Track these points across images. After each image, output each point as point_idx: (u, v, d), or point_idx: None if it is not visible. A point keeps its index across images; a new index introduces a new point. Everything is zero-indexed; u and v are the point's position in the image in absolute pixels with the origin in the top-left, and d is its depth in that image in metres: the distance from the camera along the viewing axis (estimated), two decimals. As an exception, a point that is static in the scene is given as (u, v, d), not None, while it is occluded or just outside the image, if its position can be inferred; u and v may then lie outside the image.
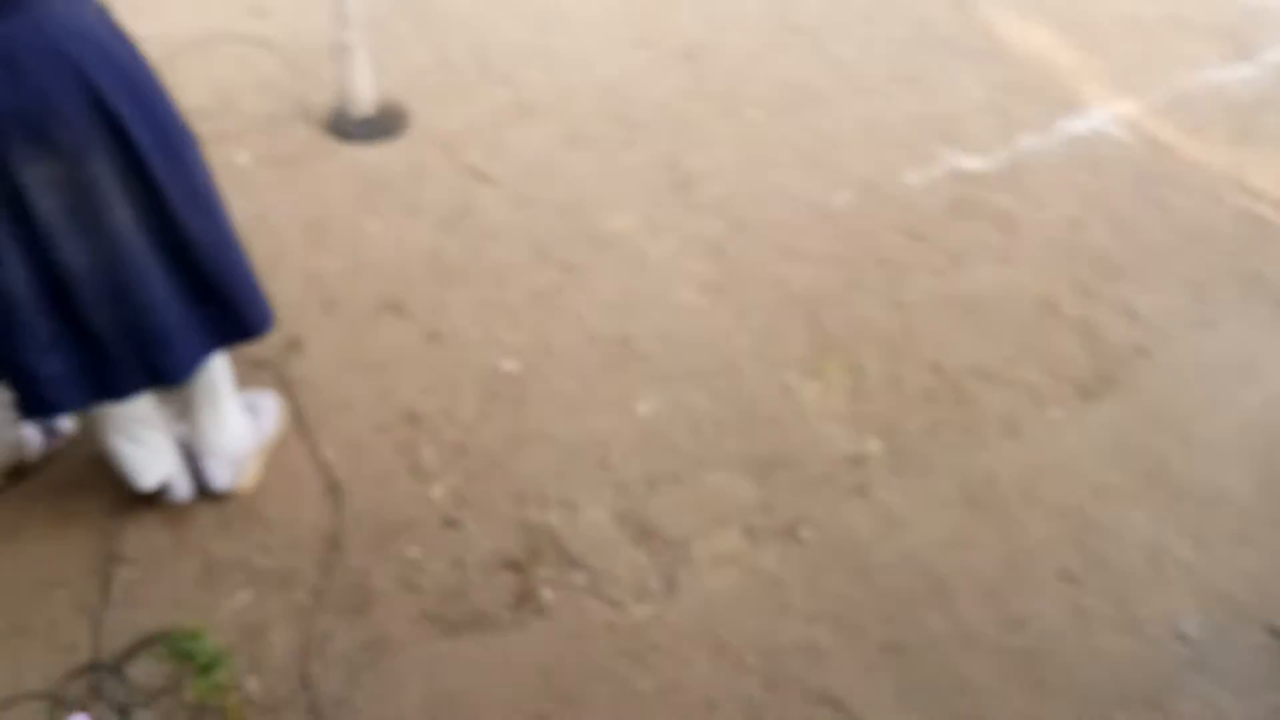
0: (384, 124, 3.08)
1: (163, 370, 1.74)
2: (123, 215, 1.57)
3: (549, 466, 2.20)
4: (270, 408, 2.21)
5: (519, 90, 3.31)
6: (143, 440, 1.94)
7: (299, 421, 2.25)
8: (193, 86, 3.21)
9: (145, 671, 1.81)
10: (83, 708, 1.74)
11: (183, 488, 2.06)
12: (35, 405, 1.66)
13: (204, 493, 2.08)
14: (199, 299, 1.73)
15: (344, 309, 2.53)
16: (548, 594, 1.97)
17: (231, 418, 2.04)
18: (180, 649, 1.72)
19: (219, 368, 1.95)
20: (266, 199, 2.83)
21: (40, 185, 1.48)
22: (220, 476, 2.06)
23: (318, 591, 1.96)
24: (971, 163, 3.14)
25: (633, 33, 3.64)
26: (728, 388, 2.39)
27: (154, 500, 2.06)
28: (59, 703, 1.76)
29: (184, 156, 1.63)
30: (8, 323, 1.57)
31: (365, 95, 3.05)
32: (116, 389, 1.72)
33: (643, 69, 3.46)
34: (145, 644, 1.85)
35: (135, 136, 1.52)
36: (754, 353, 2.48)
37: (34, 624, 1.87)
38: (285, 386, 2.32)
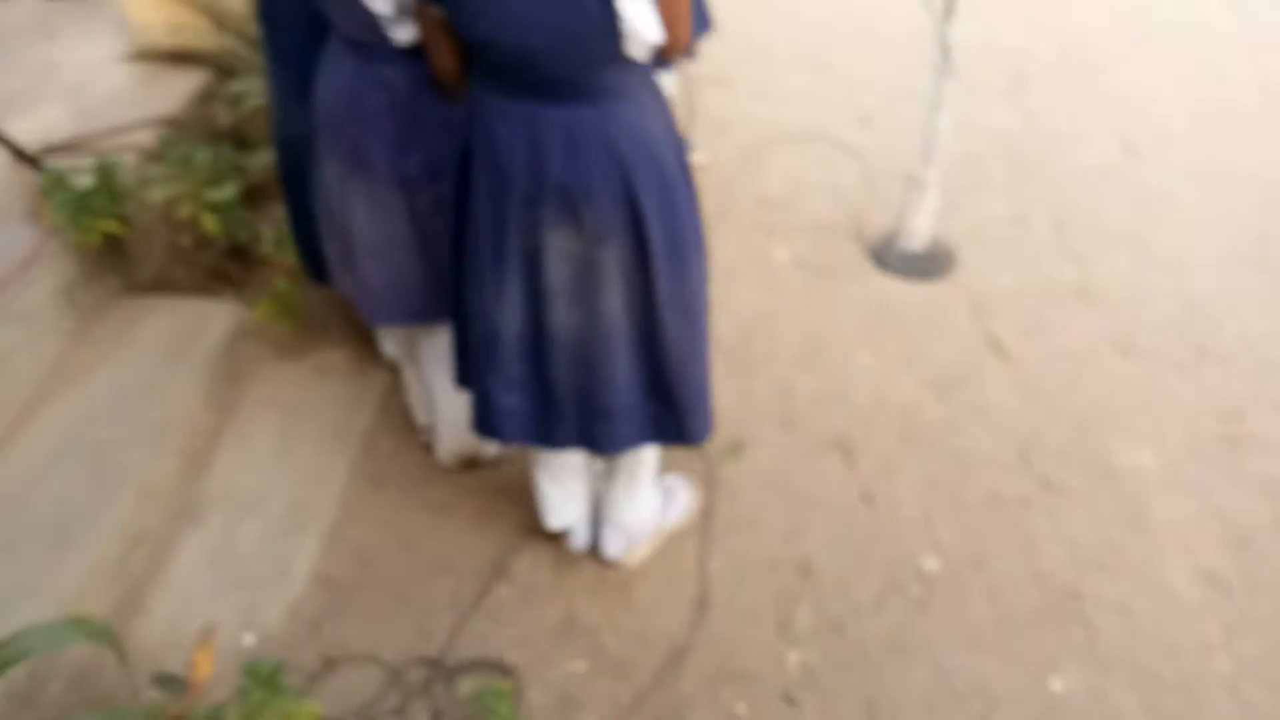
0: (926, 263, 2.96)
1: (598, 440, 1.83)
2: (614, 299, 1.67)
3: (919, 696, 1.93)
4: (684, 499, 2.23)
5: (1087, 272, 2.98)
6: (564, 485, 2.06)
7: (704, 523, 2.25)
8: (773, 174, 3.39)
9: (469, 691, 1.92)
10: (407, 697, 1.91)
11: (581, 538, 2.16)
12: (485, 427, 1.84)
13: (595, 552, 2.17)
14: (652, 392, 1.80)
15: (798, 432, 2.47)
16: (844, 837, 1.73)
17: (643, 501, 2.09)
18: (486, 704, 1.80)
19: (648, 453, 2.01)
20: (782, 299, 2.88)
21: (557, 251, 1.63)
22: (613, 547, 2.13)
23: (640, 698, 1.93)
24: None
25: (1255, 249, 3.08)
26: (1177, 711, 1.90)
27: (554, 538, 2.19)
28: (395, 681, 1.94)
29: (687, 264, 1.70)
30: (490, 353, 1.76)
31: (920, 232, 2.97)
32: (555, 439, 1.84)
33: (1250, 294, 2.91)
34: (482, 666, 1.97)
35: (651, 236, 1.61)
36: (1228, 685, 1.94)
37: (414, 598, 2.10)
38: (709, 484, 2.33)
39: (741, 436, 2.44)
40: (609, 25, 1.43)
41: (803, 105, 3.76)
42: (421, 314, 2.04)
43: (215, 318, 2.47)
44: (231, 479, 2.29)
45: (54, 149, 2.51)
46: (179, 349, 2.38)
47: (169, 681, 1.59)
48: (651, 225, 1.60)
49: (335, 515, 2.25)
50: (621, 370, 1.74)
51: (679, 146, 1.66)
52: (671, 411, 1.81)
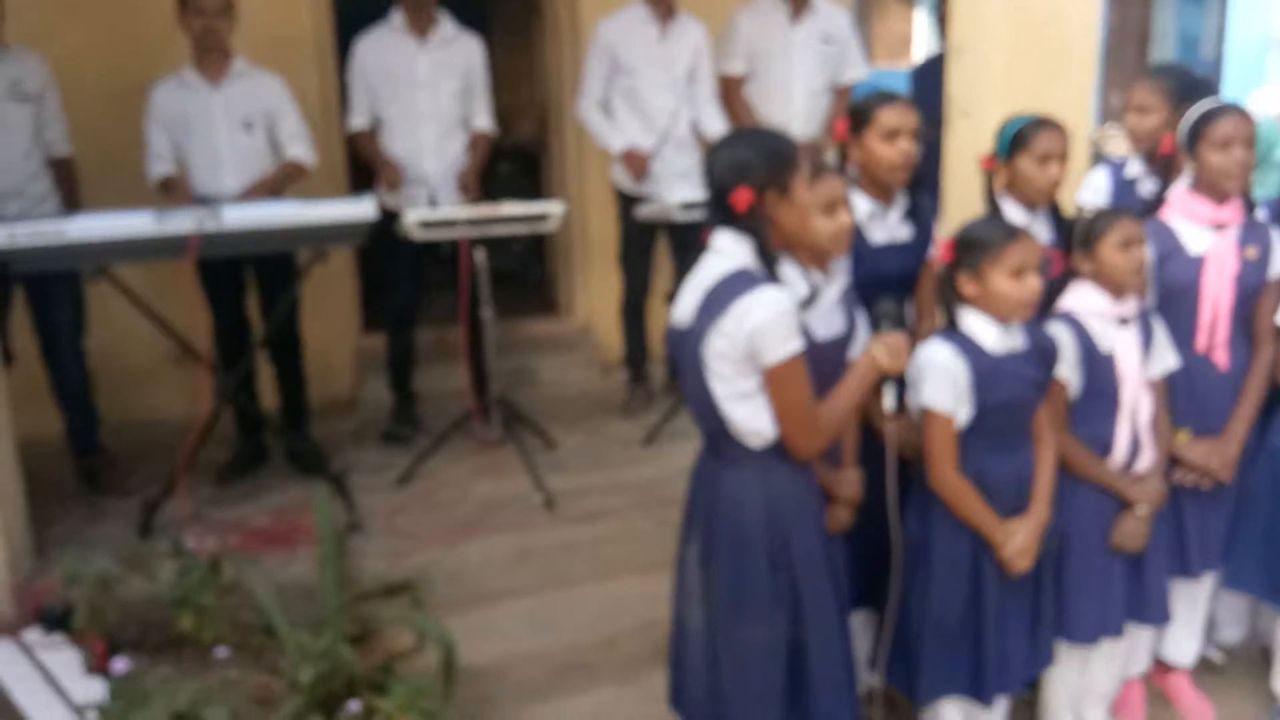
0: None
1: None
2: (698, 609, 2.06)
3: None
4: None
5: None
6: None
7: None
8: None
9: None
10: None
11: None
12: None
13: None
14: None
15: None
16: None
17: None
18: None
19: None
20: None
21: (689, 555, 2.10)
22: None
23: None
24: None
25: None
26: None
27: None
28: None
29: (725, 620, 2.01)
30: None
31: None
32: None
33: None
34: None
35: (713, 571, 2.01)
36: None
37: None
38: None
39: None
40: (714, 408, 1.90)
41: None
42: None
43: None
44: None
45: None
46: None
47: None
48: (714, 566, 1.98)
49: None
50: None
51: (782, 529, 1.94)
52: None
